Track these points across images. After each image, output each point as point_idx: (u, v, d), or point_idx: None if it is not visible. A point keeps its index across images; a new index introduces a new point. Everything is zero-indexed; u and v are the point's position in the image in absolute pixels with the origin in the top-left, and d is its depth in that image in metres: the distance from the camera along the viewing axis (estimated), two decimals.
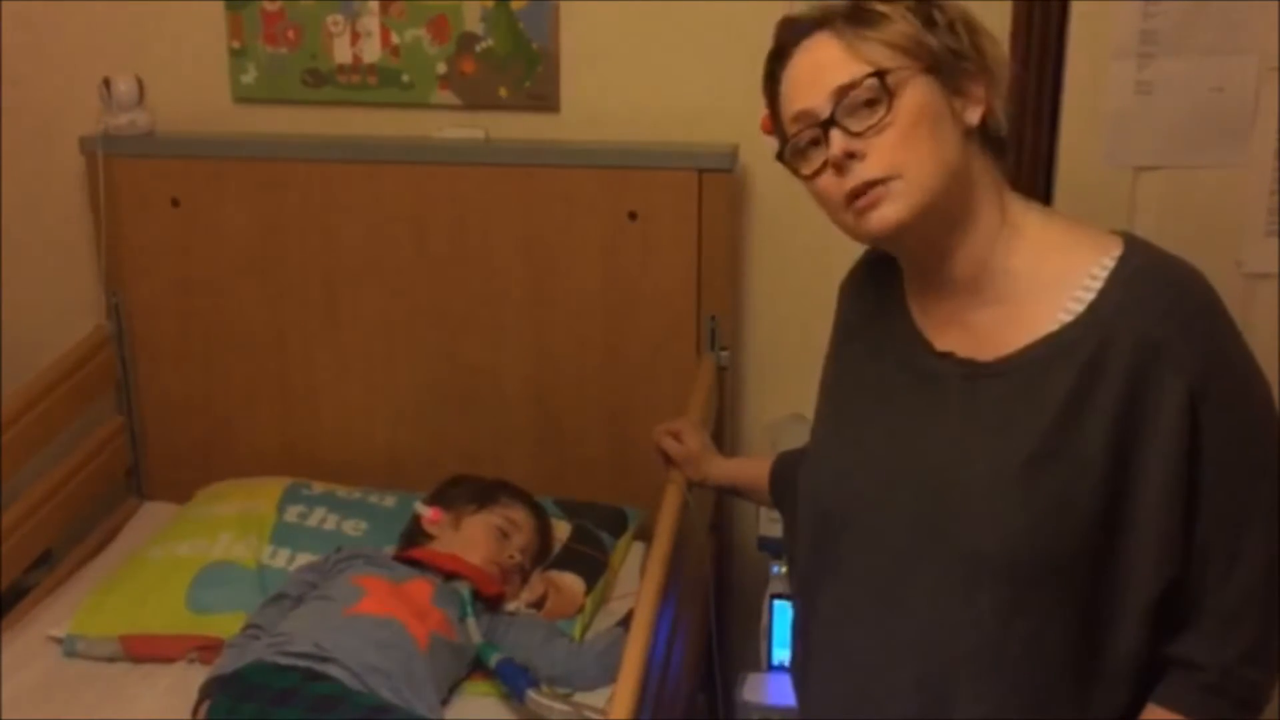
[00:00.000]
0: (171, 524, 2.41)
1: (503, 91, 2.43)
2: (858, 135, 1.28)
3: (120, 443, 2.61)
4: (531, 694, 1.89)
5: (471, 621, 2.01)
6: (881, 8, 1.30)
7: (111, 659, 2.13)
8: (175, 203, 2.50)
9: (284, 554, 2.28)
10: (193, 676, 2.01)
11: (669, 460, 1.98)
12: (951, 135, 1.30)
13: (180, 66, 2.52)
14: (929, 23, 1.31)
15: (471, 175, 2.40)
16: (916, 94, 1.29)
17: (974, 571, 1.29)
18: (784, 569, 2.15)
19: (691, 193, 2.33)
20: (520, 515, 2.23)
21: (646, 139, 2.39)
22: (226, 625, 2.09)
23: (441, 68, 2.43)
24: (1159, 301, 1.26)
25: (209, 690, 1.90)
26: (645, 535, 2.29)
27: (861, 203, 1.30)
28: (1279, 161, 2.15)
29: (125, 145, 2.48)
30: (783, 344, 2.48)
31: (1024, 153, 2.08)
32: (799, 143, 1.33)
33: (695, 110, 2.37)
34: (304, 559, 2.24)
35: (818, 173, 1.32)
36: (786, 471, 1.70)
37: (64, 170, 2.57)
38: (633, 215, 2.36)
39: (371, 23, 2.43)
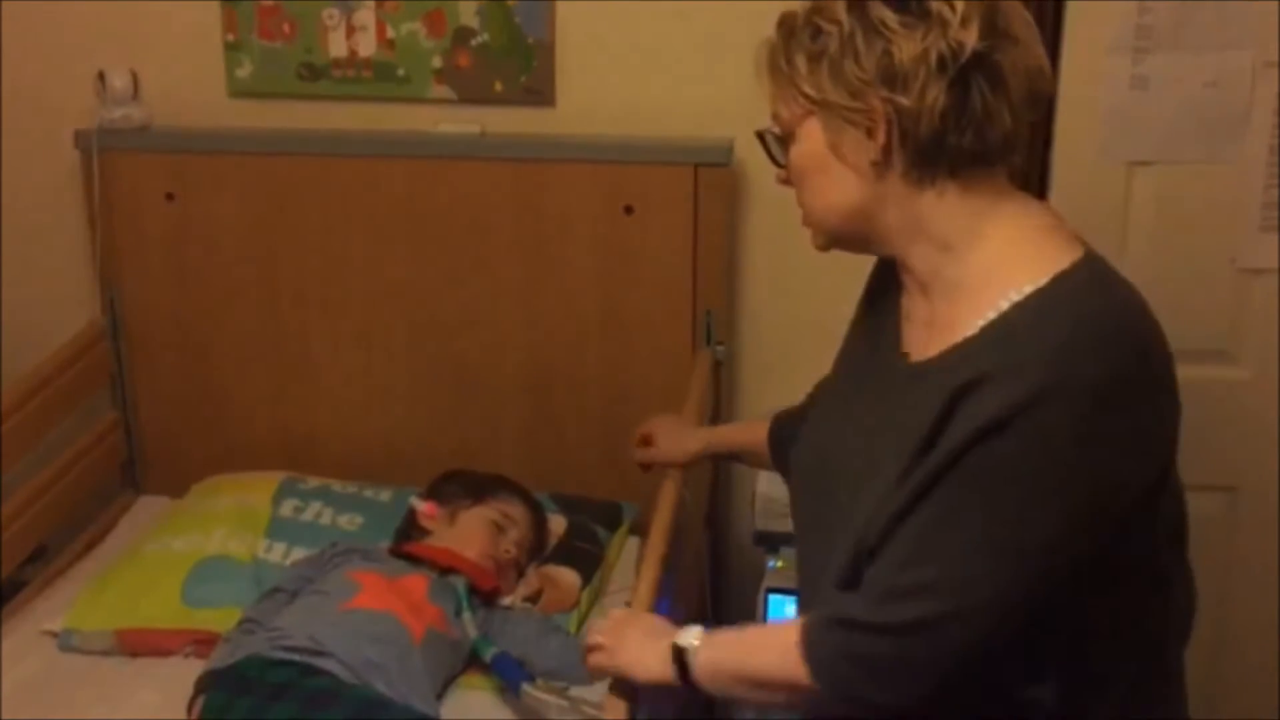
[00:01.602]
0: (167, 518, 2.41)
1: (498, 86, 2.42)
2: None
3: (115, 437, 2.60)
4: (527, 688, 1.89)
5: (467, 616, 2.01)
6: (782, 58, 1.29)
7: (107, 653, 2.13)
8: (170, 197, 2.49)
9: (279, 548, 2.28)
10: (188, 671, 2.00)
11: (649, 468, 2.02)
12: (844, 176, 1.28)
13: (175, 60, 2.51)
14: (827, 58, 1.24)
15: (467, 169, 2.40)
16: (803, 143, 1.30)
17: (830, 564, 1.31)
18: (779, 564, 2.15)
19: (687, 187, 2.33)
20: (516, 510, 2.23)
21: (642, 133, 2.38)
22: (222, 620, 2.09)
23: (437, 62, 2.43)
24: (1030, 338, 1.17)
25: (204, 685, 1.90)
26: (641, 530, 2.29)
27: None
28: (1274, 157, 2.16)
29: (120, 139, 2.47)
30: (779, 338, 2.47)
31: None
32: None
33: (691, 105, 2.37)
34: (299, 554, 2.24)
35: None
36: (784, 432, 1.71)
37: (59, 164, 2.56)
38: (629, 210, 2.36)
39: (367, 17, 2.42)
